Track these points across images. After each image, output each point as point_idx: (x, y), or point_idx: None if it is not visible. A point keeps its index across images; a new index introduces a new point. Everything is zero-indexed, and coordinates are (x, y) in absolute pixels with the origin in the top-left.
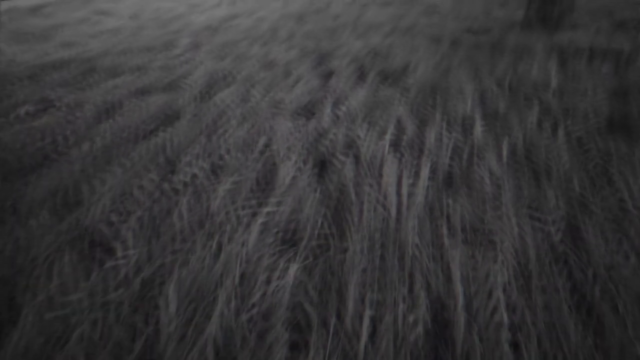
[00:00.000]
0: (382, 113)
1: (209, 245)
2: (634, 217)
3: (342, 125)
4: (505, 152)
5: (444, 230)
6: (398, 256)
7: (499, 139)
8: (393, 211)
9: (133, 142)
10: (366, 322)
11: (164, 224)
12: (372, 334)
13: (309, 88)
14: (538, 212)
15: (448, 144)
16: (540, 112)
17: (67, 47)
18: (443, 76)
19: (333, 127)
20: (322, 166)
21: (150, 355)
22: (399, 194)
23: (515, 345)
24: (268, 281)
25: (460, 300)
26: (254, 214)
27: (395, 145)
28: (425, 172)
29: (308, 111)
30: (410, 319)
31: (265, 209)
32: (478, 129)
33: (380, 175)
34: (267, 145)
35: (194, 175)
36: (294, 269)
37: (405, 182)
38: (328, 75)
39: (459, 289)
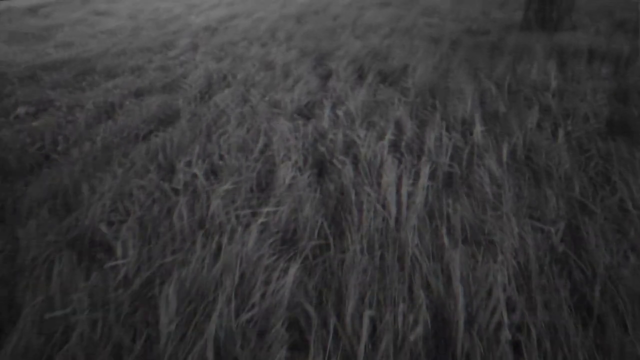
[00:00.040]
0: (382, 114)
1: (209, 245)
2: (634, 217)
3: (341, 126)
4: (505, 153)
5: (444, 231)
6: (398, 256)
7: (499, 140)
8: (393, 211)
9: (133, 142)
10: (366, 322)
11: (163, 224)
12: (372, 334)
13: (308, 89)
14: (538, 212)
15: (448, 145)
16: (540, 113)
17: (66, 47)
18: (442, 77)
19: (332, 127)
20: (322, 167)
21: (150, 355)
22: (398, 194)
23: (515, 345)
24: (268, 281)
25: (460, 300)
26: (254, 214)
27: (395, 146)
28: (425, 173)
29: (307, 112)
30: (410, 319)
31: (265, 209)
32: (478, 130)
33: (380, 176)
34: (266, 146)
35: (194, 176)
36: (293, 269)
37: (405, 183)
38: (327, 76)
39: (459, 288)
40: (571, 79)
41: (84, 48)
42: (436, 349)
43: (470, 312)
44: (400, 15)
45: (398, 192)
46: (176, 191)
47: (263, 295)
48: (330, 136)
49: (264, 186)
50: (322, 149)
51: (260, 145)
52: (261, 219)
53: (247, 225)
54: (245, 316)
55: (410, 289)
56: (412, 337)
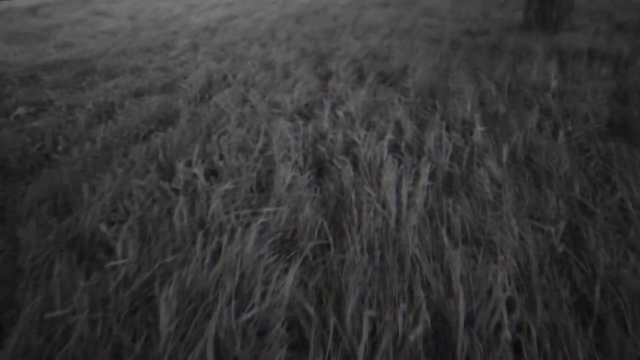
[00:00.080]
0: (382, 114)
1: (209, 245)
2: (634, 217)
3: (341, 126)
4: (505, 154)
5: (444, 231)
6: (398, 256)
7: (499, 140)
8: (393, 211)
9: (133, 143)
10: (366, 322)
11: (163, 224)
12: (372, 334)
13: (308, 89)
14: (538, 212)
15: (448, 145)
16: (540, 114)
17: (66, 48)
18: (442, 77)
19: (332, 127)
20: (322, 167)
21: (150, 356)
22: (398, 194)
23: (515, 345)
24: (268, 281)
25: (460, 300)
26: (254, 214)
27: (395, 146)
28: (425, 173)
29: (307, 112)
30: (410, 318)
31: (265, 209)
32: (478, 130)
33: (380, 176)
34: (266, 146)
35: (194, 176)
36: (293, 269)
37: (405, 183)
38: (327, 76)
39: (459, 288)
40: (571, 80)
41: (83, 48)
42: (436, 349)
43: (470, 312)
44: (400, 16)
45: (398, 192)
46: (176, 191)
47: (263, 295)
48: (330, 136)
49: (264, 186)
50: (322, 149)
51: (260, 145)
52: (261, 219)
53: (247, 225)
54: (245, 316)
55: (410, 289)
56: (412, 337)
